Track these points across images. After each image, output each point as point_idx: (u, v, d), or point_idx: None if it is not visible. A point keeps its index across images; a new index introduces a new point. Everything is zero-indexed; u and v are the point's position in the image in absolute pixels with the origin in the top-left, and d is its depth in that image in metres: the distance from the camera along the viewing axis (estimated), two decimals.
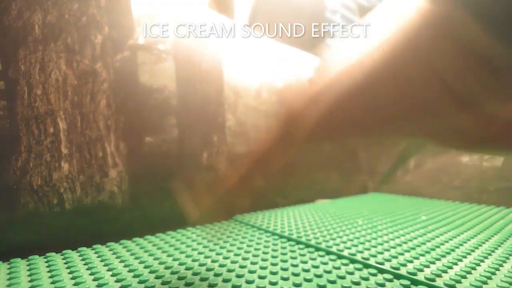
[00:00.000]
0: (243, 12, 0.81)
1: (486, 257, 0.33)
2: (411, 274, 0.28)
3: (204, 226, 0.46)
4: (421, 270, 0.29)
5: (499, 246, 0.37)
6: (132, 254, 0.33)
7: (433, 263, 0.31)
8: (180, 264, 0.30)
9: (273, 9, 0.86)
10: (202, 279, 0.27)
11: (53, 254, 0.33)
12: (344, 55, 0.18)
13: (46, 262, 0.30)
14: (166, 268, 0.29)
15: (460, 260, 0.32)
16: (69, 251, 0.34)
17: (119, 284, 0.25)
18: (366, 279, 0.28)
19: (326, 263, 0.31)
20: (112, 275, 0.27)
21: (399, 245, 0.36)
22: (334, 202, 0.68)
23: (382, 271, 0.29)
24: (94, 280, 0.26)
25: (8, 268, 0.29)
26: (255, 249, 0.35)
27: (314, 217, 0.51)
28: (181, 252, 0.34)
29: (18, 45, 0.37)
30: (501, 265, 0.31)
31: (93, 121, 0.43)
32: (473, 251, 0.35)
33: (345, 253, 0.33)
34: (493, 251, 0.35)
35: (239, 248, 0.35)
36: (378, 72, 0.15)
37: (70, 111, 0.41)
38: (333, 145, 0.82)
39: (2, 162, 0.35)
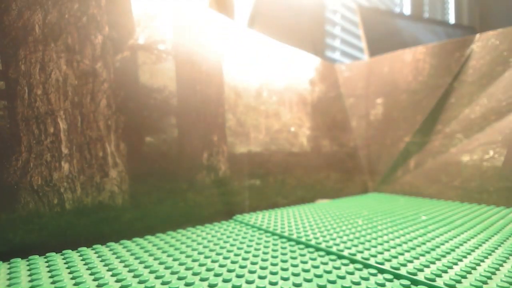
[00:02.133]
0: (244, 12, 0.81)
1: (486, 257, 0.33)
2: (411, 274, 0.28)
3: (204, 226, 0.46)
4: (421, 270, 0.29)
5: (499, 246, 0.37)
6: (132, 254, 0.33)
7: (433, 263, 0.31)
8: (180, 264, 0.30)
9: (273, 9, 0.86)
10: (202, 279, 0.27)
11: (53, 254, 0.33)
12: None
13: (46, 262, 0.30)
14: (166, 268, 0.29)
15: (460, 260, 0.32)
16: (69, 251, 0.34)
17: (119, 284, 0.25)
18: (366, 279, 0.28)
19: (326, 263, 0.31)
20: (112, 275, 0.27)
21: (399, 245, 0.36)
22: (334, 202, 0.68)
23: (382, 271, 0.29)
24: (94, 280, 0.26)
25: (8, 268, 0.29)
26: (255, 249, 0.35)
27: (314, 217, 0.51)
28: (181, 252, 0.34)
29: (18, 45, 0.37)
30: (501, 265, 0.31)
31: (93, 121, 0.43)
32: (473, 251, 0.35)
33: (345, 253, 0.33)
34: (493, 251, 0.35)
35: (239, 248, 0.35)
36: None
37: (71, 111, 0.41)
38: (333, 144, 0.82)
39: (2, 162, 0.35)
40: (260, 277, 0.27)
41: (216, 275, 0.28)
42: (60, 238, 0.37)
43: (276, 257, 0.33)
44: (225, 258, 0.32)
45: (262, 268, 0.30)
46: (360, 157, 0.90)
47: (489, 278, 0.27)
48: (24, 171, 0.36)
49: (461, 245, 0.37)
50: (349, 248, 0.35)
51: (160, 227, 0.44)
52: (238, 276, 0.28)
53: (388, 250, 0.34)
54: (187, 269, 0.29)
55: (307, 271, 0.29)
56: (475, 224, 0.47)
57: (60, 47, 0.41)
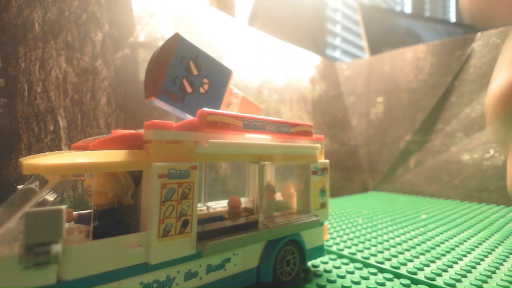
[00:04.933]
0: (244, 9, 0.81)
1: (486, 256, 0.33)
2: (411, 273, 0.28)
3: None
4: (421, 269, 0.29)
5: (499, 244, 0.37)
6: None
7: (433, 262, 0.31)
8: None
9: (274, 7, 0.86)
10: None
11: None
12: None
13: None
14: None
15: (460, 259, 0.32)
16: None
17: None
18: (366, 278, 0.28)
19: (326, 263, 0.31)
20: None
21: (399, 244, 0.36)
22: (335, 201, 0.68)
23: (382, 270, 0.29)
24: None
25: None
26: None
27: None
28: None
29: (18, 43, 0.37)
30: (501, 264, 0.31)
31: (94, 118, 0.43)
32: (473, 249, 0.35)
33: (345, 252, 0.33)
34: (493, 250, 0.35)
35: None
36: None
37: (71, 108, 0.41)
38: (334, 143, 0.82)
39: (2, 159, 0.35)
40: None
41: None
42: None
43: None
44: None
45: None
46: (360, 156, 0.90)
47: (489, 277, 0.27)
48: None
49: (461, 243, 0.37)
50: (349, 247, 0.35)
51: None
52: None
53: (388, 249, 0.34)
54: None
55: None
56: (475, 223, 0.47)
57: (60, 45, 0.40)
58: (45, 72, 0.39)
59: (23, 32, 0.38)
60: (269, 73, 0.69)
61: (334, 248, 0.35)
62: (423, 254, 0.33)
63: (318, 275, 0.28)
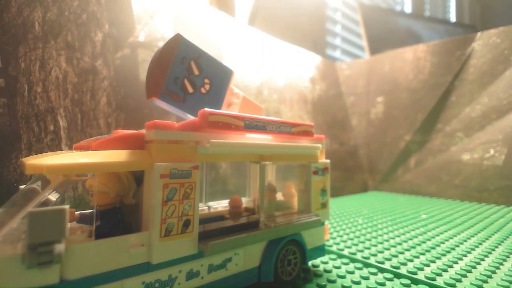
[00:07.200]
0: (244, 9, 0.81)
1: (486, 256, 0.33)
2: (411, 273, 0.28)
3: None
4: (421, 269, 0.29)
5: (500, 244, 0.37)
6: None
7: (434, 262, 0.31)
8: None
9: (274, 7, 0.86)
10: None
11: None
12: None
13: None
14: None
15: (461, 259, 0.32)
16: None
17: None
18: (367, 278, 0.28)
19: (326, 262, 0.31)
20: None
21: (399, 243, 0.37)
22: (335, 201, 0.68)
23: (382, 270, 0.29)
24: None
25: None
26: None
27: None
28: None
29: (18, 42, 0.37)
30: (501, 264, 0.31)
31: (94, 118, 0.43)
32: (473, 249, 0.35)
33: (345, 252, 0.34)
34: (493, 250, 0.35)
35: None
36: None
37: (71, 108, 0.41)
38: (334, 143, 0.82)
39: (3, 159, 0.35)
40: None
41: None
42: None
43: None
44: None
45: None
46: (360, 156, 0.90)
47: (489, 277, 0.28)
48: None
49: (461, 243, 0.37)
50: (349, 247, 0.35)
51: None
52: None
53: (388, 249, 0.35)
54: None
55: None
56: (475, 223, 0.47)
57: (60, 45, 0.40)
58: (45, 72, 0.39)
59: (23, 32, 0.37)
60: (269, 73, 0.69)
61: (334, 248, 0.35)
62: (423, 254, 0.33)
63: (318, 275, 0.28)
